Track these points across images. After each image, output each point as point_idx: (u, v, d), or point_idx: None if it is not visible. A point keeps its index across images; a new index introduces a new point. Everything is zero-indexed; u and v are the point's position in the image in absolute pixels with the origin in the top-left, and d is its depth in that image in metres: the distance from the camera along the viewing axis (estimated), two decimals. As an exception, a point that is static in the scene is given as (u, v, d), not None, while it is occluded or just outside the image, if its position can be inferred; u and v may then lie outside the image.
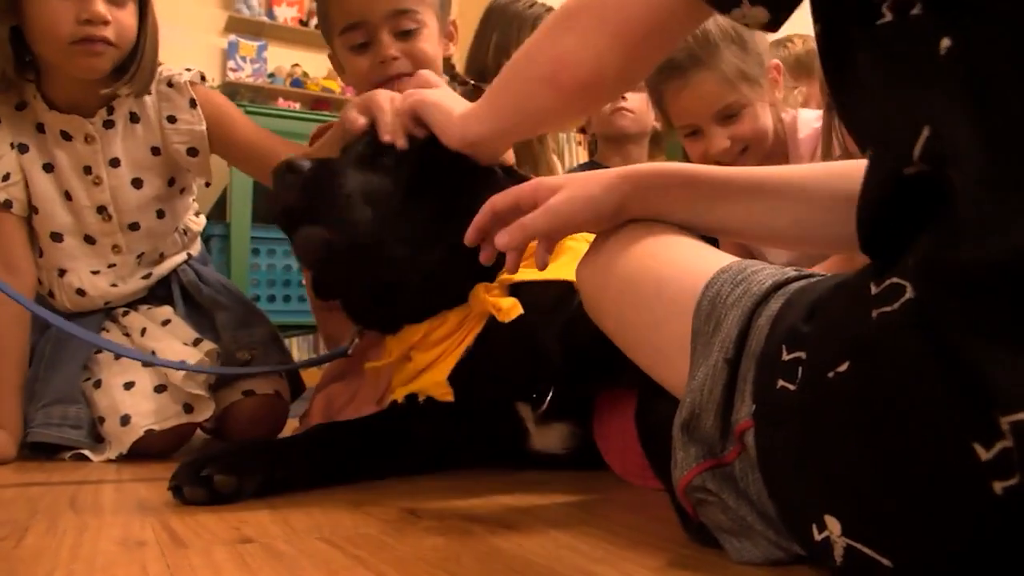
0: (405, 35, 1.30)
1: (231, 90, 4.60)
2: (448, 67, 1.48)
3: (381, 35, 1.29)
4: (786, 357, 0.51)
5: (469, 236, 0.81)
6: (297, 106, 4.85)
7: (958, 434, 0.40)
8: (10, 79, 1.28)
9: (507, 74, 0.80)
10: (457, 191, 0.94)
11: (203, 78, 1.44)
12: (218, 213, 2.51)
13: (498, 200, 0.80)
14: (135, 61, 1.31)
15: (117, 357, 1.35)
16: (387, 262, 0.94)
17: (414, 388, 0.99)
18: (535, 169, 1.58)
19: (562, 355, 0.94)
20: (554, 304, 0.93)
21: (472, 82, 1.50)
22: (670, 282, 0.65)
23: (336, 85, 4.95)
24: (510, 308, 0.91)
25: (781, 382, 0.51)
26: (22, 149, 1.33)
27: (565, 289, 0.89)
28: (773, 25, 0.58)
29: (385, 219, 0.92)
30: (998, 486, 0.39)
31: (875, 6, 0.47)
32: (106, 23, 1.25)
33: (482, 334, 0.95)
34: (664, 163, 0.76)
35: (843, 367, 0.46)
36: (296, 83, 4.95)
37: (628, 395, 0.91)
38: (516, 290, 0.95)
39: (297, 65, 4.98)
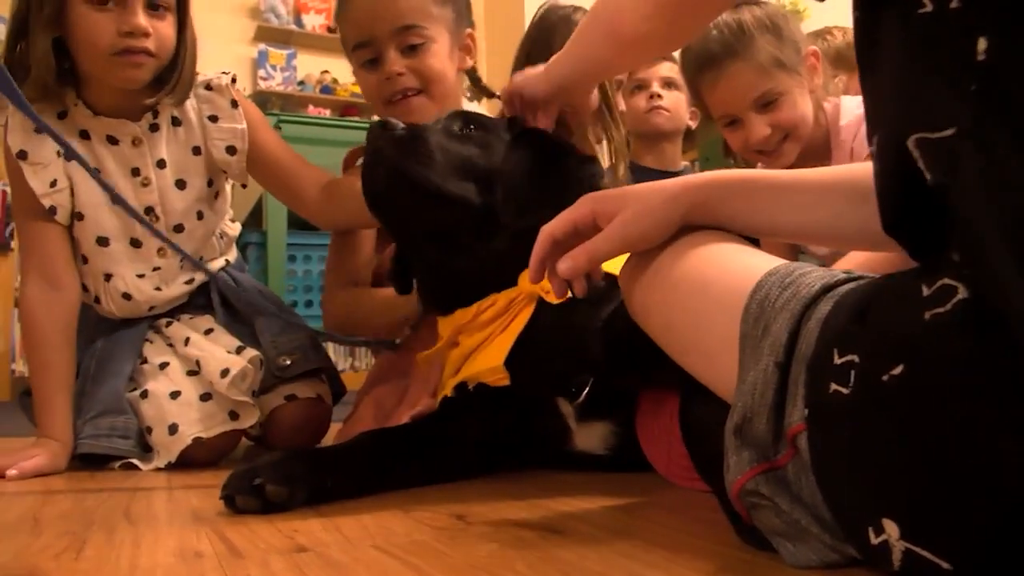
0: (411, 51, 1.32)
1: (262, 99, 4.66)
2: (474, 79, 1.48)
3: (387, 51, 1.31)
4: (838, 360, 0.51)
5: (532, 273, 0.79)
6: (327, 112, 4.91)
7: (1017, 435, 0.40)
8: (52, 88, 1.31)
9: (580, 27, 0.97)
10: (539, 180, 1.01)
11: (234, 80, 1.47)
12: (254, 221, 2.54)
13: (556, 228, 0.77)
14: (175, 72, 1.33)
15: (162, 367, 1.37)
16: (455, 214, 0.99)
17: (464, 376, 0.99)
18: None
19: (602, 347, 0.94)
20: (598, 295, 0.93)
21: (497, 95, 1.50)
22: (716, 284, 0.65)
23: (365, 90, 4.99)
24: None
25: (833, 386, 0.51)
26: (68, 156, 1.35)
27: (609, 281, 0.89)
28: None
29: (470, 182, 1.00)
30: (1062, 489, 0.38)
31: None
32: (147, 35, 1.27)
33: (529, 321, 0.96)
34: (722, 172, 0.74)
35: (897, 370, 0.46)
36: (326, 90, 5.00)
37: (671, 395, 0.91)
38: None
39: (326, 72, 5.03)
